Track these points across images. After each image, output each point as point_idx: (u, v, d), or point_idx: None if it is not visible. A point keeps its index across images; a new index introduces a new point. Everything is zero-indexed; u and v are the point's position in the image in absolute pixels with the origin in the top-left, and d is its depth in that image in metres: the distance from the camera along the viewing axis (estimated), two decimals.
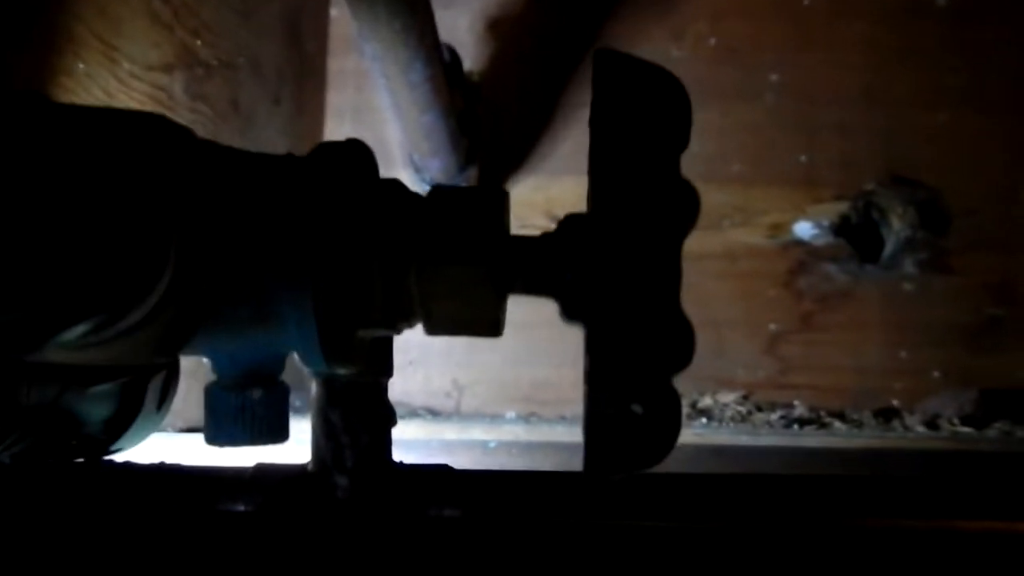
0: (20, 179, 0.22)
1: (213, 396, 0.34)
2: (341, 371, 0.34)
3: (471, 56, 1.35)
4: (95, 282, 0.24)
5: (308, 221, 0.32)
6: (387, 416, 0.51)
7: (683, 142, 0.31)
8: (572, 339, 1.29)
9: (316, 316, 0.32)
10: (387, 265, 0.33)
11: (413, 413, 1.34)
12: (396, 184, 0.34)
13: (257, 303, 0.32)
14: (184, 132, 0.29)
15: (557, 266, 0.34)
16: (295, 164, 0.33)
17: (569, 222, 0.35)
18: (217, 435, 0.34)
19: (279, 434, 0.34)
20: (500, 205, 0.34)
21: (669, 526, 0.47)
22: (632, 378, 0.30)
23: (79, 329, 0.25)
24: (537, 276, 0.34)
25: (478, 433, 1.11)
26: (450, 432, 1.12)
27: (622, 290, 0.30)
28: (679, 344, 0.30)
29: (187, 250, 0.28)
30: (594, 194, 0.33)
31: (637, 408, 0.32)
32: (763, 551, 0.46)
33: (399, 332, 0.35)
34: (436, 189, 0.34)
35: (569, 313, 0.34)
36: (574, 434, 1.12)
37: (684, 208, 0.30)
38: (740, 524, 0.47)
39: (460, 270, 0.33)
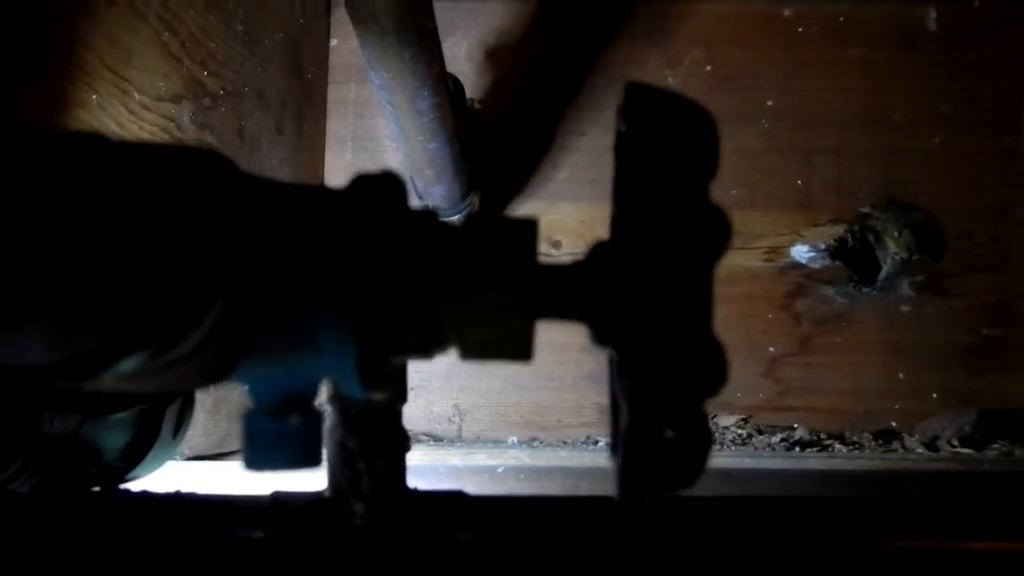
0: (86, 213, 0.22)
1: (252, 422, 0.34)
2: (376, 396, 0.34)
3: (470, 84, 1.36)
4: (154, 312, 0.25)
5: (347, 250, 0.32)
6: (402, 441, 0.52)
7: (712, 169, 0.32)
8: (572, 364, 1.29)
9: (354, 342, 0.32)
10: (422, 292, 0.34)
11: (415, 439, 1.34)
12: (429, 214, 0.35)
13: (295, 330, 0.32)
14: (231, 165, 0.29)
15: (588, 292, 0.35)
16: (332, 195, 0.34)
17: (599, 249, 0.35)
18: (256, 460, 0.34)
19: (315, 459, 0.35)
20: (531, 234, 0.35)
21: (685, 548, 0.47)
22: (667, 403, 0.31)
23: (136, 358, 0.26)
24: (568, 302, 0.35)
25: (482, 459, 1.12)
26: (454, 458, 1.12)
27: (656, 315, 0.31)
28: (712, 369, 0.31)
29: (235, 280, 0.29)
30: (624, 221, 0.34)
31: (669, 433, 0.32)
32: (783, 572, 0.46)
33: (432, 357, 0.35)
34: (469, 219, 0.35)
35: (600, 338, 0.35)
36: (578, 459, 1.13)
37: (715, 233, 0.31)
38: (757, 545, 0.47)
39: (493, 297, 0.34)
